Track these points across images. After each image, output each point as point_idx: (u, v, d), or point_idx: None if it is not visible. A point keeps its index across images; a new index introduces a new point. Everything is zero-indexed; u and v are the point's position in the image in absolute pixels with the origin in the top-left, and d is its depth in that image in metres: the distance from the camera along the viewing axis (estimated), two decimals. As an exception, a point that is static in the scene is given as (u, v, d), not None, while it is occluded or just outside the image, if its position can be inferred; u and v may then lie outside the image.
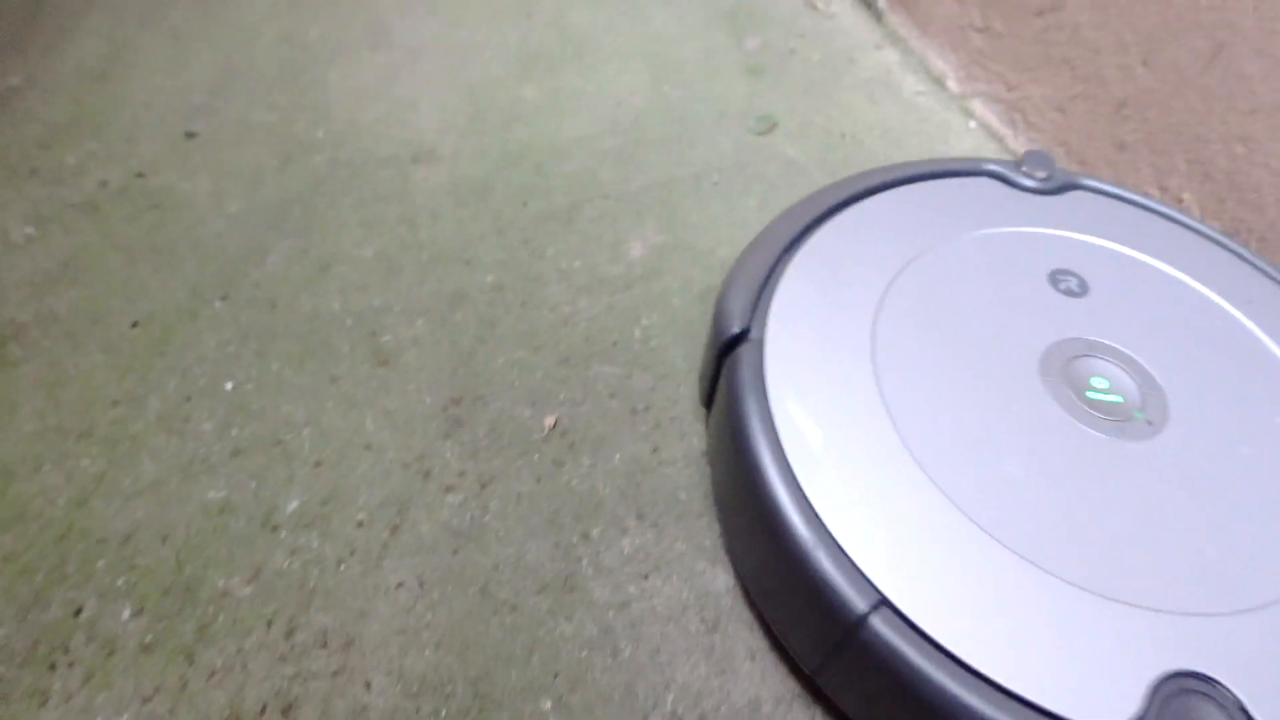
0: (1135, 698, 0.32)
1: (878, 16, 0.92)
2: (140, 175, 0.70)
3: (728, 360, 0.45)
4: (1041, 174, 0.56)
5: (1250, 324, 0.48)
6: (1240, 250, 0.53)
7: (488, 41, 0.85)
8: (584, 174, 0.70)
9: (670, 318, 0.60)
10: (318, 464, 0.51)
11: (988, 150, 0.77)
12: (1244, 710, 0.31)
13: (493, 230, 0.65)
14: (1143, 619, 0.34)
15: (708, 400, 0.51)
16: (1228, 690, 0.32)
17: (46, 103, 0.78)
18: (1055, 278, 0.49)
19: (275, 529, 0.48)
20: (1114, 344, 0.46)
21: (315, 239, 0.64)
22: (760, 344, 0.44)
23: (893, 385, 0.42)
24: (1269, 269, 0.52)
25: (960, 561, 0.36)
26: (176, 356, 0.57)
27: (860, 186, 0.54)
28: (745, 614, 0.46)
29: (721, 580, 0.47)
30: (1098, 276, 0.50)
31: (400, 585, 0.46)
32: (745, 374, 0.43)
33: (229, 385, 0.55)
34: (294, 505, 0.49)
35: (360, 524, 0.49)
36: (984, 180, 0.56)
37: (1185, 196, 0.62)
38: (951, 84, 0.83)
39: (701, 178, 0.70)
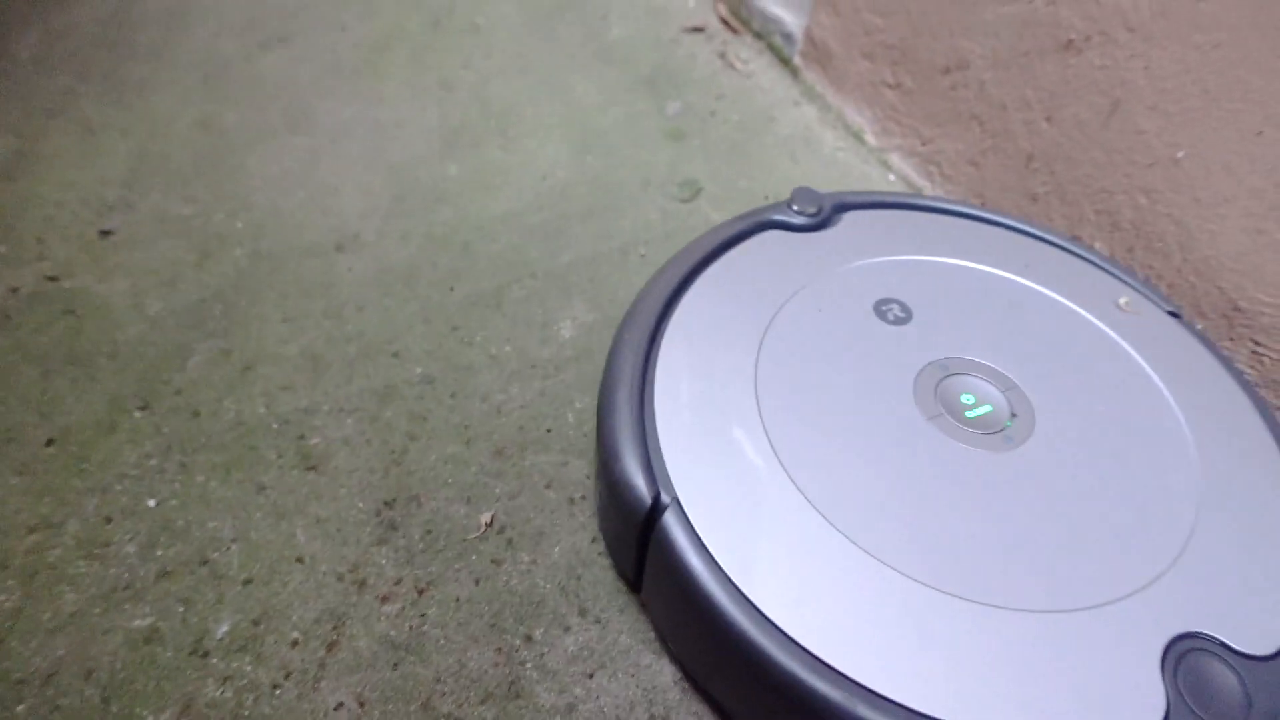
0: (977, 689, 0.36)
1: (794, 73, 0.94)
2: (53, 279, 0.68)
3: (656, 536, 0.42)
4: (812, 209, 0.59)
5: (1045, 290, 0.54)
6: (995, 216, 0.60)
7: (409, 119, 0.85)
8: (511, 253, 0.70)
9: (604, 399, 0.59)
10: (248, 581, 0.50)
11: (908, 203, 0.78)
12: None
13: (420, 319, 0.65)
14: (1009, 619, 0.38)
15: (636, 580, 0.48)
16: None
17: (-48, 205, 0.76)
18: (880, 310, 0.52)
19: (206, 655, 0.47)
20: (961, 355, 0.50)
21: (237, 339, 0.63)
22: (680, 507, 0.41)
23: (809, 477, 0.43)
24: (1026, 227, 0.59)
25: (901, 618, 0.38)
26: (96, 474, 0.55)
27: (673, 280, 0.53)
28: (694, 705, 0.46)
29: (668, 672, 0.47)
30: (909, 294, 0.54)
31: (339, 706, 0.45)
32: (688, 549, 0.40)
33: (152, 502, 0.53)
34: (224, 628, 0.48)
35: (295, 643, 0.47)
36: (772, 234, 0.58)
37: (1097, 245, 0.64)
38: (869, 138, 0.85)
39: (629, 250, 0.71)
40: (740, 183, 0.79)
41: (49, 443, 0.57)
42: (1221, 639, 0.37)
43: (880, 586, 0.39)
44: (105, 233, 0.72)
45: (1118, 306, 0.53)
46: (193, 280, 0.68)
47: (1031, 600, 0.39)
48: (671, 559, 0.40)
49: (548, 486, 0.55)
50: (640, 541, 0.44)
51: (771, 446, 0.44)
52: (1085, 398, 0.48)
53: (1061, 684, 0.36)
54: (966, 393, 0.48)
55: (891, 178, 0.81)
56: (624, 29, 1.02)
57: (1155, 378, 0.49)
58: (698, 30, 1.01)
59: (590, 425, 0.58)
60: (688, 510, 0.41)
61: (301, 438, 0.57)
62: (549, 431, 0.57)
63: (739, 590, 0.38)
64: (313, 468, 0.55)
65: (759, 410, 0.46)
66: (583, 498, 0.54)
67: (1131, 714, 0.35)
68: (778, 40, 0.96)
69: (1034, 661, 0.37)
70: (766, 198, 0.77)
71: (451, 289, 0.67)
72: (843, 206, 0.61)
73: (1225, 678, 0.36)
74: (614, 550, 0.50)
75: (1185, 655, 0.37)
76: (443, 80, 0.91)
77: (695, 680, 0.46)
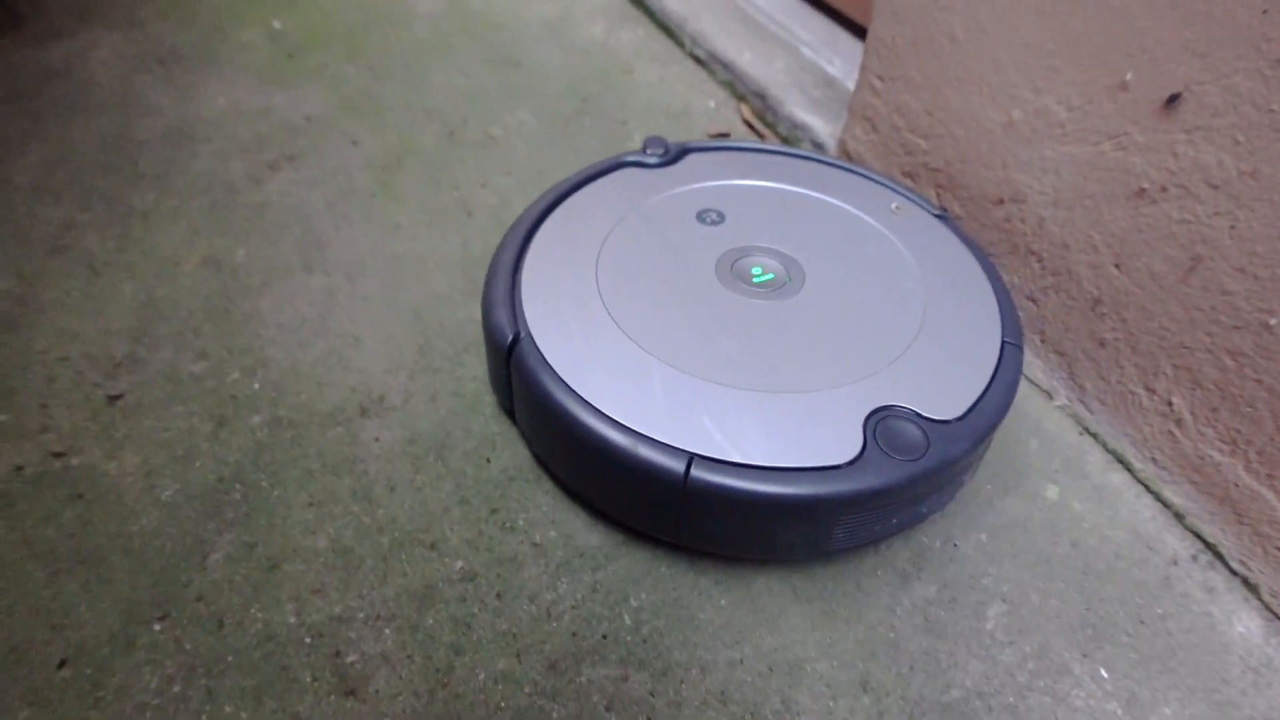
0: (752, 442, 0.51)
1: (825, 183, 0.90)
2: (59, 455, 0.64)
3: (514, 360, 0.57)
4: (660, 151, 0.75)
5: (831, 199, 0.71)
6: (815, 156, 0.77)
7: (429, 251, 0.81)
8: (548, 413, 0.66)
9: (662, 594, 0.55)
10: (286, 843, 0.45)
11: (957, 330, 0.75)
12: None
13: (456, 499, 0.60)
14: (762, 397, 0.54)
15: (511, 406, 0.63)
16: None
17: (-51, 361, 0.72)
18: (701, 216, 0.68)
19: None
20: (756, 243, 0.66)
21: (260, 528, 0.58)
22: (532, 340, 0.57)
23: (626, 318, 0.59)
24: (835, 162, 0.76)
25: (682, 399, 0.54)
26: (113, 705, 0.50)
27: (544, 205, 0.69)
28: None
29: None
30: (726, 206, 0.70)
31: None
32: (536, 363, 0.56)
33: (176, 741, 0.49)
34: None
35: None
36: (627, 170, 0.74)
37: (1175, 400, 0.60)
38: (911, 258, 0.81)
39: (672, 405, 0.67)
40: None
41: (61, 664, 0.52)
42: (914, 409, 0.53)
43: (669, 381, 0.54)
44: (113, 397, 0.68)
45: (890, 210, 0.70)
46: (209, 455, 0.63)
47: (780, 386, 0.54)
48: (524, 372, 0.56)
49: (608, 708, 0.50)
50: (506, 370, 0.59)
51: (601, 300, 0.60)
52: (849, 266, 0.64)
53: (791, 434, 0.51)
54: (756, 266, 0.64)
55: (938, 303, 0.77)
56: (645, 135, 0.98)
57: (904, 250, 0.66)
58: (722, 136, 0.98)
59: (650, 627, 0.53)
60: (536, 341, 0.57)
61: (337, 654, 0.52)
62: (605, 638, 0.53)
63: (569, 387, 0.54)
64: (351, 692, 0.50)
65: (596, 279, 0.62)
66: (647, 719, 0.50)
67: (834, 450, 0.50)
68: (807, 148, 0.93)
69: (774, 422, 0.52)
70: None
71: (487, 460, 0.63)
72: (686, 150, 0.76)
73: (910, 430, 0.52)
74: (496, 388, 0.65)
75: (884, 419, 0.52)
76: (461, 202, 0.88)
77: (550, 469, 0.61)
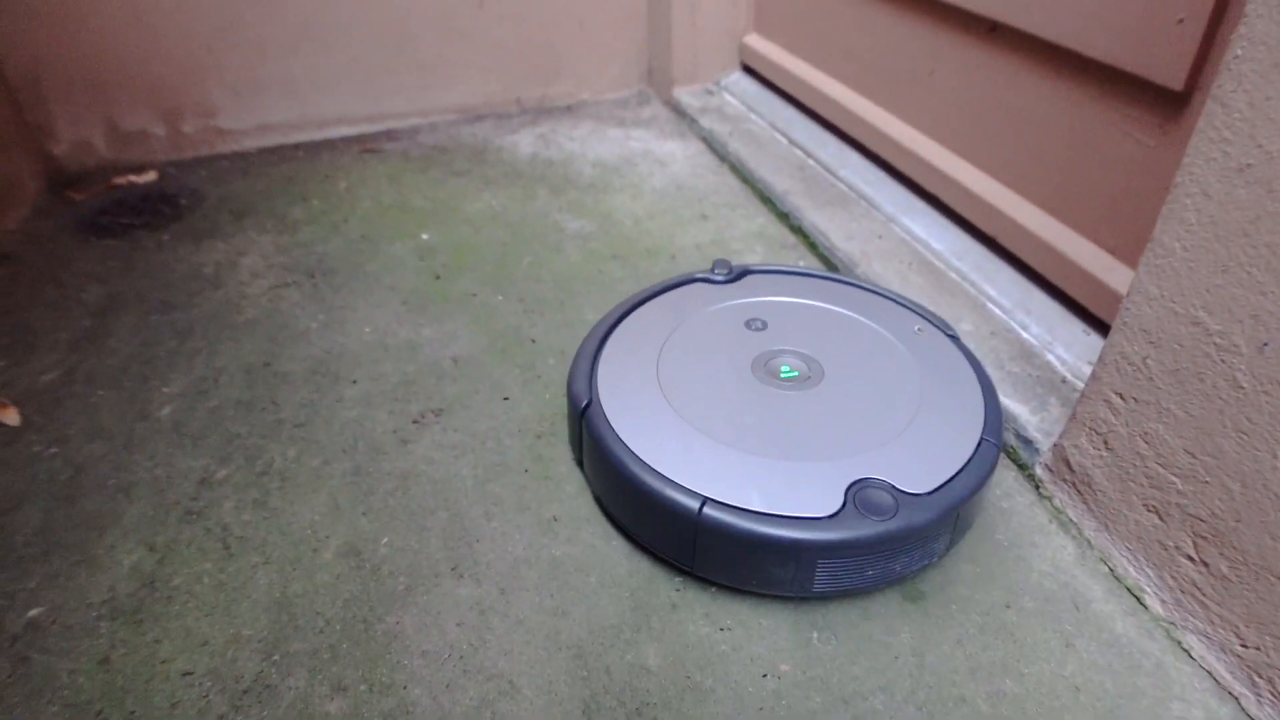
0: (753, 494, 0.65)
1: (1034, 484, 0.79)
2: (175, 824, 0.55)
3: (585, 420, 0.73)
4: (724, 271, 0.90)
5: (861, 318, 0.84)
6: (856, 281, 0.91)
7: (591, 559, 0.73)
8: (739, 825, 0.55)
9: None
10: None
11: (1223, 715, 0.61)
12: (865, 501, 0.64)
13: None
14: (774, 464, 0.68)
15: (579, 455, 0.78)
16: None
17: (69, 656, 0.65)
18: (748, 324, 0.83)
19: None
20: (790, 348, 0.80)
21: None
22: (600, 405, 0.73)
23: (673, 395, 0.75)
24: (874, 288, 0.90)
25: (719, 464, 0.68)
26: None
27: (623, 306, 0.86)
28: None
29: None
30: (771, 316, 0.85)
31: None
32: (602, 424, 0.71)
33: None
34: None
35: None
36: (695, 284, 0.90)
37: None
38: (1153, 604, 0.68)
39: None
40: (1007, 683, 0.63)
41: None
42: (890, 481, 0.66)
43: (698, 442, 0.69)
44: (239, 745, 0.60)
45: (914, 331, 0.82)
46: None
47: (785, 455, 0.68)
48: (591, 430, 0.72)
49: None
50: (580, 428, 0.74)
51: (658, 382, 0.76)
52: (862, 370, 0.77)
53: (786, 491, 0.65)
54: (785, 365, 0.78)
55: (1191, 670, 0.64)
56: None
57: (912, 360, 0.78)
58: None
59: None
60: (603, 405, 0.73)
61: None
62: None
63: (622, 442, 0.69)
64: None
65: (657, 367, 0.78)
66: None
67: (819, 506, 0.64)
68: (1011, 439, 0.82)
69: (775, 481, 0.66)
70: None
71: None
72: (746, 272, 0.92)
73: (883, 497, 0.64)
74: (571, 443, 0.81)
75: (864, 486, 0.65)
76: (622, 487, 0.79)
77: (605, 507, 0.76)
